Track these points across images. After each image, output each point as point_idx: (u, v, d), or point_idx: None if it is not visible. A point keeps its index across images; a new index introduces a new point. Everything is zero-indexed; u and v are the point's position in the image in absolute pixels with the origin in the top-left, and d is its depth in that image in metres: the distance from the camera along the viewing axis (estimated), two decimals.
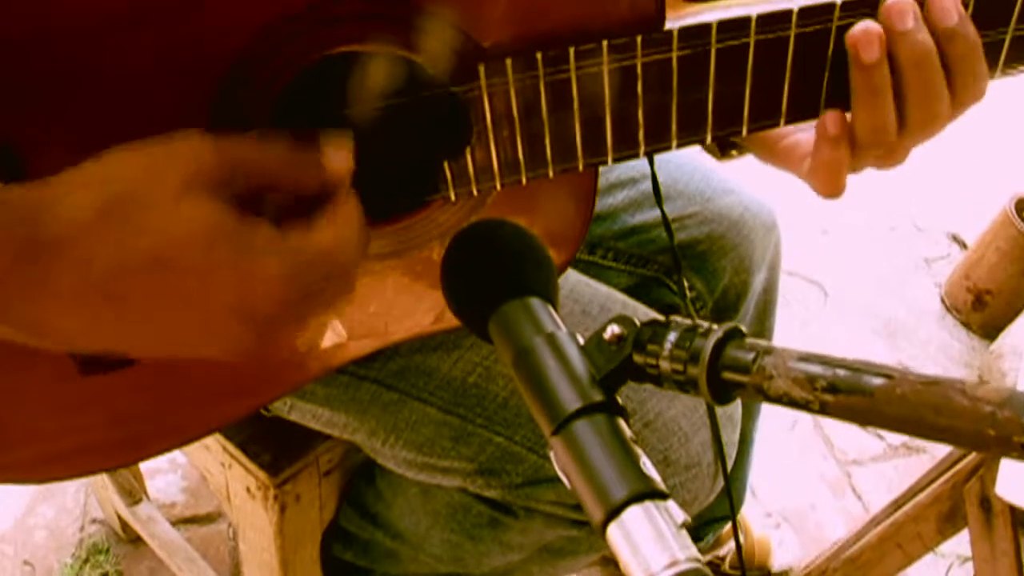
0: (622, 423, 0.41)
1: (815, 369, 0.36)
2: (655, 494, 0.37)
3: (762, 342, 0.39)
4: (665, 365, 0.41)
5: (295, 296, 0.45)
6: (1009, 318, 1.93)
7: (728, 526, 1.46)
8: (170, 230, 0.43)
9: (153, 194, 0.43)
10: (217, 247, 0.43)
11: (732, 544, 1.49)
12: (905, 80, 0.59)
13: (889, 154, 0.62)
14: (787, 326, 1.86)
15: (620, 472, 0.38)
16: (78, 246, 0.43)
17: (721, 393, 0.40)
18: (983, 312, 2.05)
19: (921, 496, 1.04)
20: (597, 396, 0.41)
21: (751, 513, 1.62)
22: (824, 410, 0.36)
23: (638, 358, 0.42)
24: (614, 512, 0.37)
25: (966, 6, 0.60)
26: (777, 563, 1.55)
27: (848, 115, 0.62)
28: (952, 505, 1.00)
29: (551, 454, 0.41)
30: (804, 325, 2.04)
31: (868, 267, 2.22)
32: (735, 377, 0.39)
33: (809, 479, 1.74)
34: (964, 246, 2.29)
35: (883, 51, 0.58)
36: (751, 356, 0.38)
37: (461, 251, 0.51)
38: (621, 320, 0.43)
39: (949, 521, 1.02)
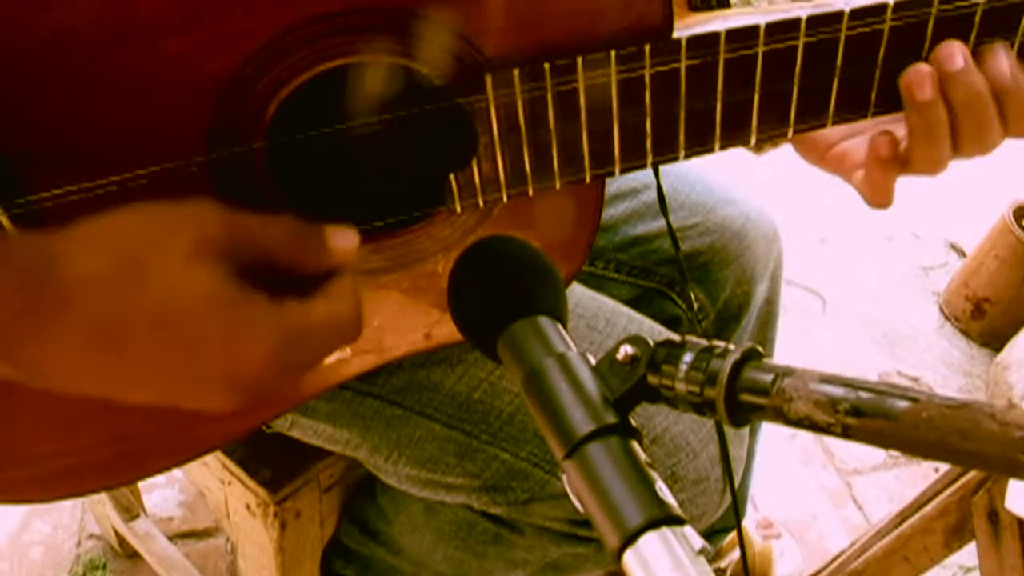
0: (636, 446, 0.40)
1: (837, 391, 0.35)
2: (672, 519, 0.36)
3: (781, 363, 0.38)
4: (681, 387, 0.40)
5: (282, 366, 0.48)
6: (1008, 326, 1.92)
7: (728, 539, 1.45)
8: (174, 291, 0.45)
9: (162, 256, 0.46)
10: (215, 313, 0.46)
11: (732, 556, 1.48)
12: (959, 118, 0.61)
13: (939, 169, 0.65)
14: (785, 335, 1.85)
15: (635, 497, 0.37)
16: (87, 298, 0.45)
17: (739, 416, 0.39)
18: (982, 320, 2.05)
19: (928, 508, 1.03)
20: (610, 418, 0.40)
21: (751, 524, 1.61)
22: (847, 433, 0.35)
23: (652, 379, 0.41)
24: (630, 538, 0.36)
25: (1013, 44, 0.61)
26: (779, 574, 1.55)
27: (901, 138, 0.63)
28: (959, 518, 0.99)
29: (564, 478, 0.40)
30: (802, 334, 2.03)
31: (866, 276, 2.21)
32: (753, 399, 0.38)
33: (810, 489, 1.73)
34: (963, 254, 2.28)
35: (936, 91, 0.60)
36: (770, 378, 0.37)
37: (469, 269, 0.50)
38: (634, 340, 0.42)
39: (956, 534, 1.00)
